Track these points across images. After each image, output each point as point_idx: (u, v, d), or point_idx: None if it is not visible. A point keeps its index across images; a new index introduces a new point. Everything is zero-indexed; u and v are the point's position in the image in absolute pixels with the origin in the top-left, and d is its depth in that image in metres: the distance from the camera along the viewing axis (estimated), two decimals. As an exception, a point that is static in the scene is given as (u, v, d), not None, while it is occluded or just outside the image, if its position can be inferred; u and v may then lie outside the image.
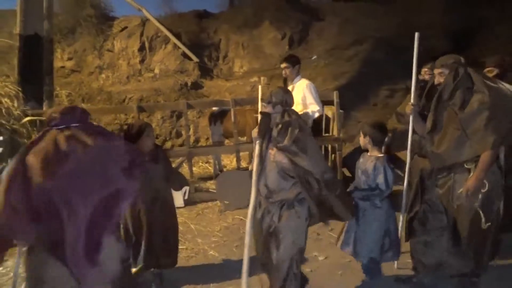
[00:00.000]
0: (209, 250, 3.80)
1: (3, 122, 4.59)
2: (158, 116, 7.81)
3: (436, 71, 2.84)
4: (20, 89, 4.97)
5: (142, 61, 8.73)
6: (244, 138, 5.58)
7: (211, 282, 3.24)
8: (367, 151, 2.90)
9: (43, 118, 5.10)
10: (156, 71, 8.71)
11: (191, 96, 8.25)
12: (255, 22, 9.71)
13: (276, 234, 2.57)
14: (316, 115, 4.26)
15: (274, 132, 2.55)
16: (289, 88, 4.31)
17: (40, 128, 4.97)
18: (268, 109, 2.63)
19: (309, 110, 4.20)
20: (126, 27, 8.98)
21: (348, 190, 2.88)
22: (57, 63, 8.18)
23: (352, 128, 6.55)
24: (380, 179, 2.73)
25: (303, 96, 4.21)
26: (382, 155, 2.81)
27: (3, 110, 4.73)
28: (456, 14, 8.65)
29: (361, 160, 2.92)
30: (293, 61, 4.34)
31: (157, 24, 8.76)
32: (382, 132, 2.87)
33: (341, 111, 5.12)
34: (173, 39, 8.81)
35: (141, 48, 8.78)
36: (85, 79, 8.48)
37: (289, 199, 2.56)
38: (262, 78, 5.24)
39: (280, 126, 2.53)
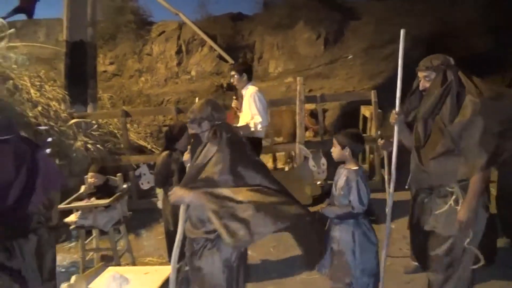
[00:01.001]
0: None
1: (52, 124, 4.87)
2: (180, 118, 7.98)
3: (420, 74, 2.43)
4: (66, 92, 5.24)
5: (179, 64, 8.96)
6: (280, 139, 5.60)
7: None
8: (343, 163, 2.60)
9: (88, 120, 5.39)
10: (193, 73, 8.91)
11: (227, 97, 8.37)
12: (289, 22, 9.70)
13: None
14: (259, 127, 3.82)
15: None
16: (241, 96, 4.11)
17: (84, 129, 5.23)
18: (194, 129, 2.26)
19: (251, 122, 3.82)
20: (163, 32, 9.25)
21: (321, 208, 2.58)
22: (100, 68, 8.54)
23: (390, 128, 6.41)
24: (353, 195, 2.41)
25: (249, 106, 3.89)
26: (357, 167, 2.50)
27: (52, 113, 5.01)
28: (498, 9, 8.24)
29: (336, 172, 2.62)
30: (240, 69, 4.09)
31: (194, 27, 8.95)
32: (361, 142, 2.61)
33: (379, 110, 5.04)
34: (209, 42, 8.97)
35: (178, 51, 9.02)
36: (126, 83, 8.81)
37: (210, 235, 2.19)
38: (298, 78, 5.22)
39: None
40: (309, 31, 9.24)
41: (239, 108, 4.10)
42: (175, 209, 3.38)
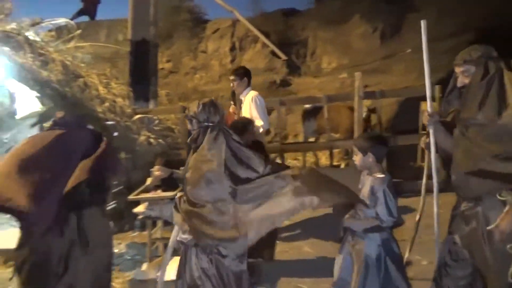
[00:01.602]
0: (304, 246, 3.83)
1: (118, 119, 5.14)
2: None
3: (458, 69, 2.14)
4: (131, 89, 5.50)
5: (233, 61, 9.09)
6: (337, 135, 5.52)
7: (306, 277, 3.26)
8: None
9: (150, 115, 5.64)
10: (246, 70, 9.01)
11: (280, 93, 8.38)
12: (343, 17, 9.51)
13: None
14: (260, 130, 3.82)
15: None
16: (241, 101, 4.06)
17: (147, 124, 5.48)
18: (189, 126, 2.32)
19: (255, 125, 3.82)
20: (218, 29, 9.43)
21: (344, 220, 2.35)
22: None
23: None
24: (381, 206, 2.17)
25: (249, 110, 3.88)
26: (383, 175, 2.25)
27: (118, 109, 5.28)
28: None
29: (360, 181, 2.38)
30: (240, 73, 4.07)
31: (247, 24, 9.04)
32: (384, 145, 2.37)
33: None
34: (262, 38, 9.02)
35: (232, 48, 9.15)
36: (182, 80, 9.10)
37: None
38: (357, 73, 5.11)
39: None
40: (365, 25, 9.01)
41: (236, 113, 4.08)
42: None
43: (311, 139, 6.13)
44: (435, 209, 2.38)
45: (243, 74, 4.05)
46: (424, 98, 5.08)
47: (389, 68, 8.13)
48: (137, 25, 5.57)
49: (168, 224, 3.86)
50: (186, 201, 2.25)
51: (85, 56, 6.36)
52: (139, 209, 3.71)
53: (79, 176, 2.35)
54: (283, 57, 9.11)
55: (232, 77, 4.09)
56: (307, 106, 5.86)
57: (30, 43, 5.19)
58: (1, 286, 3.95)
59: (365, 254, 2.25)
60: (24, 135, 4.69)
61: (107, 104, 5.12)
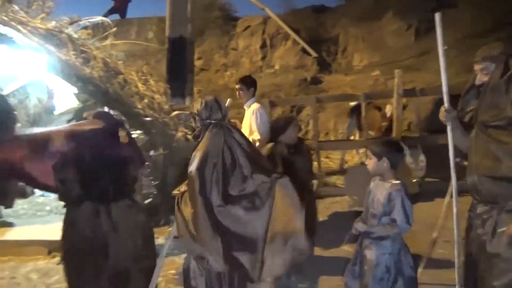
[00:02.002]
0: (344, 245, 3.81)
1: (156, 115, 5.22)
2: (279, 110, 8.06)
3: (477, 67, 2.07)
4: (168, 86, 5.58)
5: (263, 58, 9.10)
6: (373, 133, 5.47)
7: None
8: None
9: (187, 112, 5.70)
10: (276, 67, 9.00)
11: (310, 91, 8.34)
12: (376, 13, 9.36)
13: None
14: (257, 144, 3.77)
15: None
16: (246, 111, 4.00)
17: (184, 121, 5.55)
18: (193, 123, 2.34)
19: (250, 139, 3.75)
20: (248, 26, 9.45)
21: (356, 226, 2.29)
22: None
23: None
24: (398, 213, 2.13)
25: (250, 122, 3.87)
26: (398, 181, 2.21)
27: (156, 105, 5.37)
28: None
29: (371, 186, 2.33)
30: (248, 82, 3.98)
31: (278, 21, 9.03)
32: (400, 151, 2.36)
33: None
34: (293, 35, 8.99)
35: (263, 46, 9.16)
36: (212, 77, 9.17)
37: None
38: (397, 71, 5.03)
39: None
40: (398, 22, 8.84)
41: (237, 123, 3.97)
42: None
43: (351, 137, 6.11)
44: (454, 210, 2.25)
45: (250, 84, 4.00)
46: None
47: (424, 66, 7.95)
48: (175, 22, 5.64)
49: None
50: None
51: (119, 54, 6.49)
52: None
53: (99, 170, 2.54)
54: (314, 54, 9.05)
55: (238, 86, 4.02)
56: (352, 103, 5.82)
57: (72, 40, 5.33)
58: (46, 276, 4.10)
59: (375, 263, 2.21)
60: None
61: (146, 100, 5.22)
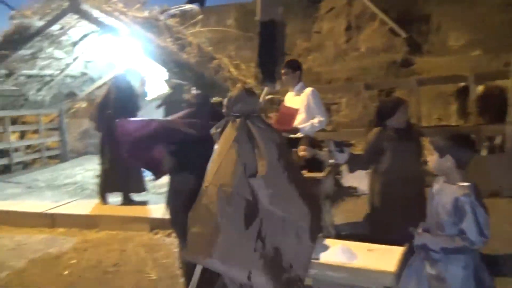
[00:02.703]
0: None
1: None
2: (366, 95, 7.68)
3: None
4: (259, 70, 5.56)
5: (348, 41, 8.72)
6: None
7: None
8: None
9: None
10: (362, 50, 8.57)
11: (401, 74, 7.83)
12: (476, -14, 8.45)
13: None
14: (323, 125, 3.95)
15: None
16: (290, 95, 3.93)
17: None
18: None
19: (316, 121, 3.84)
20: (333, 8, 9.09)
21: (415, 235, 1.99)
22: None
23: None
24: (468, 224, 1.78)
25: (307, 104, 3.84)
26: (467, 183, 1.88)
27: (248, 90, 5.39)
28: None
29: (434, 189, 2.03)
30: (293, 66, 3.90)
31: (365, 0, 8.56)
32: (469, 148, 1.98)
33: None
34: (381, 15, 8.47)
35: (348, 28, 8.77)
36: (295, 61, 9.00)
37: None
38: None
39: None
40: (504, -6, 7.89)
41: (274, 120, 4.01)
42: (384, 188, 3.27)
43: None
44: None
45: (296, 67, 3.97)
46: None
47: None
48: (266, 5, 5.57)
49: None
50: None
51: (205, 41, 6.61)
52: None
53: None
54: (403, 34, 8.46)
55: (284, 70, 3.97)
56: (461, 84, 5.34)
57: (168, 28, 5.52)
58: (152, 251, 4.34)
59: (443, 280, 1.88)
60: (151, 116, 5.06)
61: (239, 85, 5.25)
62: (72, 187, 6.85)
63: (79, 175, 7.55)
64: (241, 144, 2.20)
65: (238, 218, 2.09)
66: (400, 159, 3.15)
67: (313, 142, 3.74)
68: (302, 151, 3.69)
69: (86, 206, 5.67)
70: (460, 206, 1.84)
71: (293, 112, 3.97)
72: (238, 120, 2.27)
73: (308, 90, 3.94)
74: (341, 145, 3.59)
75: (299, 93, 3.99)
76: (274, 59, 5.50)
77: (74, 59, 7.23)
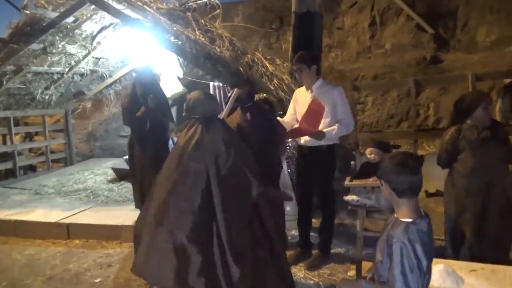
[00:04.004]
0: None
1: (288, 97, 4.78)
2: (394, 94, 7.29)
3: None
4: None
5: (372, 37, 8.31)
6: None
7: None
8: None
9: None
10: (387, 46, 8.16)
11: (431, 72, 7.46)
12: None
13: None
14: (352, 128, 3.46)
15: None
16: (304, 94, 3.45)
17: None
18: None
19: (347, 124, 3.38)
20: (356, 2, 8.67)
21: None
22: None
23: None
24: (395, 270, 1.48)
25: (333, 106, 3.33)
26: (409, 219, 1.56)
27: (284, 86, 4.93)
28: None
29: (389, 219, 1.69)
30: (307, 60, 3.37)
31: (390, -5, 8.18)
32: (408, 174, 1.59)
33: None
34: (407, 10, 8.08)
35: (372, 23, 8.35)
36: (315, 59, 8.58)
37: None
38: None
39: None
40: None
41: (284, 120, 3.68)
42: (463, 193, 2.90)
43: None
44: None
45: (310, 61, 3.43)
46: None
47: None
48: (303, -5, 5.12)
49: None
50: None
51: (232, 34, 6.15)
52: (351, 197, 3.30)
53: None
54: (430, 31, 8.08)
55: (297, 66, 3.46)
56: (506, 80, 4.95)
57: (196, 20, 5.05)
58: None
59: None
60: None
61: (275, 81, 4.79)
62: (84, 193, 6.33)
63: (90, 180, 7.03)
64: (186, 147, 2.29)
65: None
66: (482, 162, 2.79)
67: (381, 144, 3.30)
68: (369, 154, 3.26)
69: (104, 214, 5.18)
70: (390, 246, 1.50)
71: (322, 111, 3.52)
72: (196, 122, 2.37)
73: (333, 88, 3.48)
74: (387, 147, 3.29)
75: (320, 92, 3.48)
76: (310, 54, 5.03)
77: (85, 55, 6.71)
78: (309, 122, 3.30)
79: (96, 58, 7.32)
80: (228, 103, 6.41)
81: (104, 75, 7.67)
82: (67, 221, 5.09)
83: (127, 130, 9.38)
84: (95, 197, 6.12)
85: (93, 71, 7.65)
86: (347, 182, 3.14)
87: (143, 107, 4.98)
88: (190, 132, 2.32)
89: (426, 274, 1.47)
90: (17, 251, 4.62)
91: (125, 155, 7.70)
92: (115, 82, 8.31)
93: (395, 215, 1.62)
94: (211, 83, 7.69)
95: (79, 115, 9.38)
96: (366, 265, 2.09)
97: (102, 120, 9.44)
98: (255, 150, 2.67)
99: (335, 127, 3.47)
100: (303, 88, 3.83)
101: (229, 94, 7.21)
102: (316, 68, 3.55)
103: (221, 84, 7.54)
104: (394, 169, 1.58)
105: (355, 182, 3.13)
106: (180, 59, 7.55)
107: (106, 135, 9.21)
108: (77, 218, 5.22)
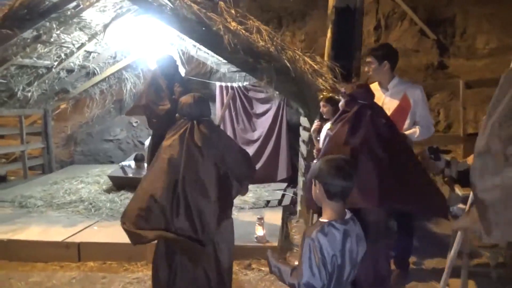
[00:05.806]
0: None
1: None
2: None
3: None
4: (336, 64, 4.72)
5: (376, 41, 8.16)
6: None
7: None
8: None
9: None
10: (392, 50, 8.05)
11: (439, 77, 7.42)
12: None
13: None
14: (432, 130, 3.34)
15: None
16: (380, 93, 3.30)
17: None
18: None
19: (429, 126, 3.32)
20: (359, 5, 8.48)
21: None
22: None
23: None
24: (303, 265, 1.62)
25: (412, 108, 3.16)
26: (325, 220, 1.70)
27: (328, 86, 4.53)
28: None
29: None
30: (378, 54, 3.21)
31: (394, -2, 8.08)
32: (342, 178, 1.72)
33: None
34: (411, 14, 8.03)
35: (376, 27, 8.21)
36: (319, 61, 8.26)
37: None
38: None
39: None
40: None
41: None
42: None
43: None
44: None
45: (383, 56, 3.23)
46: None
47: None
48: (342, -11, 4.75)
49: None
50: None
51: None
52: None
53: None
54: (432, 36, 8.08)
55: (368, 59, 3.29)
56: None
57: (227, 9, 4.52)
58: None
59: None
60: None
61: (320, 80, 4.38)
62: (81, 205, 5.54)
63: (83, 190, 6.20)
64: (174, 147, 2.44)
65: None
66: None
67: (434, 150, 3.07)
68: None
69: (116, 230, 4.50)
70: (304, 242, 1.65)
71: (408, 110, 3.23)
72: (187, 123, 2.51)
73: (415, 89, 3.25)
74: (437, 152, 3.11)
75: (396, 91, 3.23)
76: (350, 52, 4.69)
77: (79, 47, 5.90)
78: (396, 120, 2.96)
79: (88, 52, 6.50)
80: (225, 104, 5.91)
81: (96, 71, 6.85)
82: (76, 239, 4.35)
83: (112, 134, 8.50)
84: (96, 210, 5.37)
85: (82, 67, 6.80)
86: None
87: (168, 100, 4.42)
88: (176, 129, 2.54)
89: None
90: (18, 279, 3.83)
91: (121, 162, 6.87)
92: (103, 80, 7.48)
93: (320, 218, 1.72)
94: (217, 83, 7.13)
95: (57, 117, 8.38)
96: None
97: (82, 123, 8.50)
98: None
99: (417, 129, 3.21)
100: (375, 85, 3.49)
101: (227, 95, 6.67)
102: (390, 65, 3.26)
103: (229, 85, 6.99)
104: (331, 172, 1.67)
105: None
106: (182, 57, 6.92)
107: (88, 139, 8.29)
108: (86, 235, 4.49)
